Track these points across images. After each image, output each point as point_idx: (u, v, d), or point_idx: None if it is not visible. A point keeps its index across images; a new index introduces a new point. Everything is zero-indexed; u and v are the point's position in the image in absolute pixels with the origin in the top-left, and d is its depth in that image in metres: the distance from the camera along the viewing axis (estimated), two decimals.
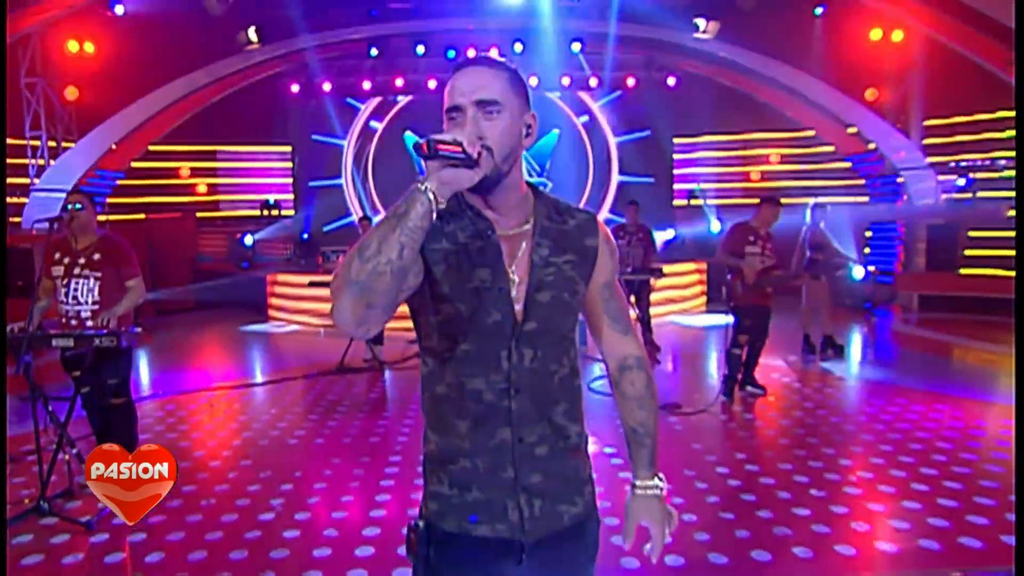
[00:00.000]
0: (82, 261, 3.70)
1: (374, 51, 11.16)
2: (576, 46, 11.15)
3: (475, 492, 1.31)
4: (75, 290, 3.67)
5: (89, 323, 3.68)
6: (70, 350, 3.49)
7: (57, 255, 3.74)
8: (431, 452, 1.38)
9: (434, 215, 1.14)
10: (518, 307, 1.31)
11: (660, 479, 1.47)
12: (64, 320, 3.73)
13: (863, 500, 3.64)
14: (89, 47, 10.38)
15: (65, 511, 3.56)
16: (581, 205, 1.46)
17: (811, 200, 7.58)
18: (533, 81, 11.02)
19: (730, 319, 5.62)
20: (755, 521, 3.39)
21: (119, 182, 11.66)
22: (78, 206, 3.64)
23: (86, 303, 3.68)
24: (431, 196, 1.12)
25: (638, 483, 1.47)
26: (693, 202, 12.37)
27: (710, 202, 12.46)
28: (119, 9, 9.85)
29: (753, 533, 3.26)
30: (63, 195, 3.71)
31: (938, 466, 4.02)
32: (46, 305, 3.83)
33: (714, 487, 3.83)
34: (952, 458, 4.15)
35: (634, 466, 1.49)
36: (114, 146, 11.23)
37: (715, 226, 11.77)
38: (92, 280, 3.69)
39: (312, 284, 8.26)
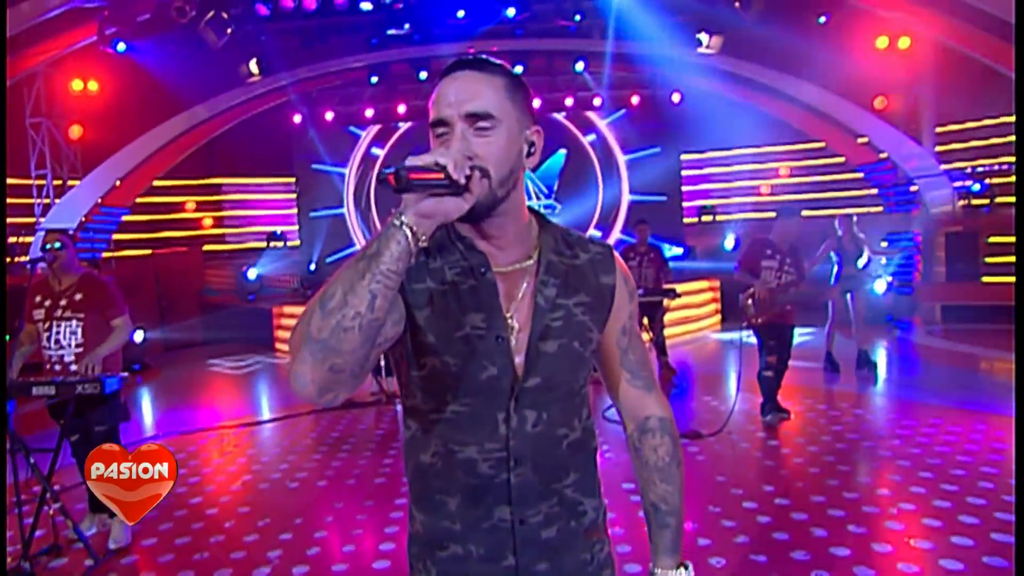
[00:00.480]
0: (63, 303, 3.54)
1: (374, 79, 11.13)
2: (579, 66, 11.06)
3: None
4: (57, 334, 3.49)
5: (73, 367, 3.50)
6: (51, 398, 3.30)
7: (38, 298, 3.57)
8: (416, 533, 1.16)
9: (412, 256, 0.92)
10: (518, 359, 1.08)
11: (686, 568, 1.22)
12: (48, 366, 3.55)
13: (908, 536, 3.34)
14: (93, 85, 10.44)
15: (49, 570, 3.35)
16: (592, 225, 1.23)
17: (836, 212, 7.44)
18: (536, 103, 10.91)
19: (747, 336, 5.39)
20: (789, 565, 3.11)
21: (124, 218, 11.62)
22: (58, 244, 3.49)
23: (69, 346, 3.50)
24: (408, 232, 0.91)
25: (658, 572, 1.22)
26: (704, 219, 12.16)
27: (720, 218, 12.23)
28: (120, 47, 9.88)
29: None
30: (69, 233, 3.57)
31: (986, 494, 3.71)
32: (28, 350, 3.66)
33: (742, 525, 3.56)
34: (1000, 484, 3.84)
35: (654, 550, 1.23)
36: (119, 183, 11.23)
37: (729, 242, 11.54)
38: (75, 322, 3.51)
39: None
